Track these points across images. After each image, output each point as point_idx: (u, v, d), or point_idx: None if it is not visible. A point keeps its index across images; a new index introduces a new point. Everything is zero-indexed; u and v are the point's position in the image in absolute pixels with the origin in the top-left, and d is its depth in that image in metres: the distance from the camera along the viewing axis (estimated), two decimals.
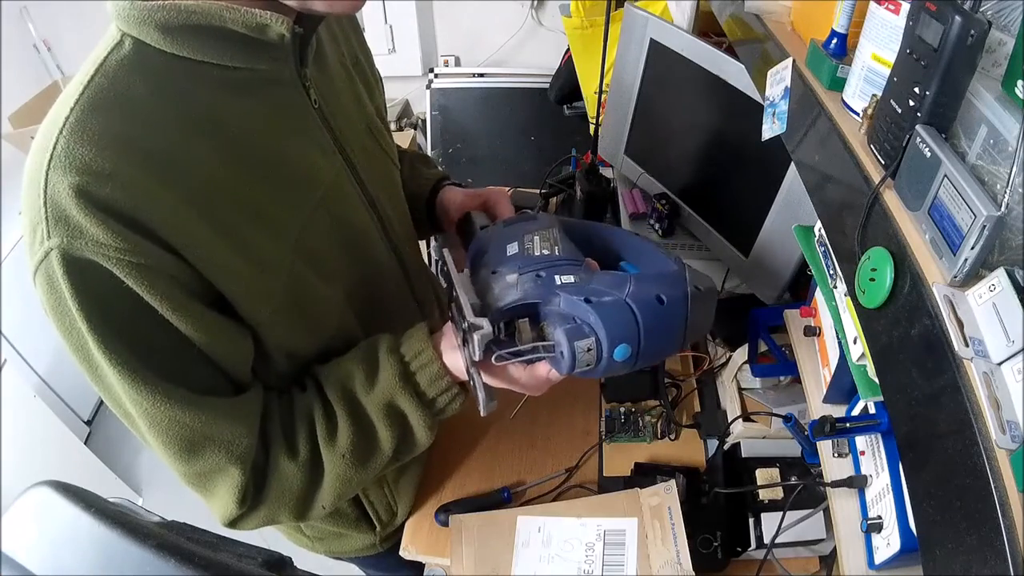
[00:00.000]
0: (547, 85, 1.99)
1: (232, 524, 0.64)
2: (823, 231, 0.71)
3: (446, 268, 0.66)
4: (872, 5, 0.48)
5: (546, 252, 0.65)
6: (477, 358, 0.58)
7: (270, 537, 0.86)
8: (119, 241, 0.49)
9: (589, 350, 0.56)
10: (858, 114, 0.51)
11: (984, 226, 0.35)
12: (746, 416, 0.90)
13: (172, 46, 0.53)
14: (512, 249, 0.66)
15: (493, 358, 0.59)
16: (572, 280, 0.60)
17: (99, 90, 0.51)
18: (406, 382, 0.64)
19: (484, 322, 0.57)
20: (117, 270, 0.49)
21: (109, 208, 0.49)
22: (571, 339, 0.56)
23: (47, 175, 0.48)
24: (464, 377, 0.64)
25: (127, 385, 0.54)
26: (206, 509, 0.65)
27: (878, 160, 0.46)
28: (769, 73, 0.64)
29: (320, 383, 0.66)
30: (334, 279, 0.67)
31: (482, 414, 0.60)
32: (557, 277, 0.60)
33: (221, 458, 0.59)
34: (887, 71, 0.46)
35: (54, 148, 0.49)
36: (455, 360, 0.64)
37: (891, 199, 0.44)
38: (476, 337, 0.57)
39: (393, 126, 2.30)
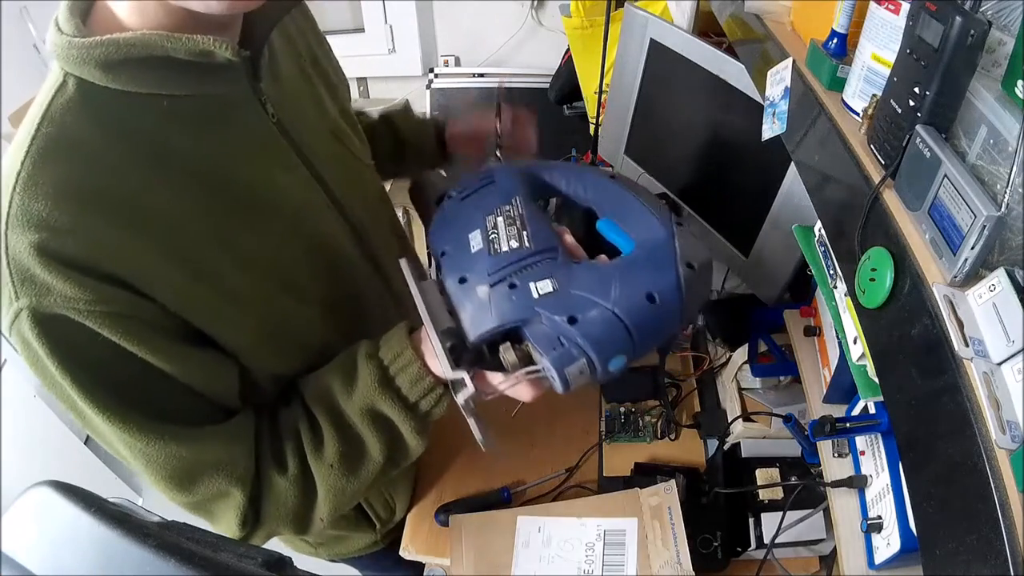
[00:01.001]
0: (547, 85, 1.99)
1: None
2: (823, 231, 0.71)
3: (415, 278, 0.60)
4: (872, 5, 0.48)
5: (515, 245, 0.57)
6: (465, 411, 0.55)
7: (275, 542, 0.86)
8: (87, 293, 0.48)
9: (582, 372, 0.53)
10: (858, 114, 0.51)
11: (984, 226, 0.35)
12: (746, 416, 0.90)
13: (116, 82, 0.51)
14: (476, 243, 0.59)
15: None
16: (550, 289, 0.54)
17: (47, 139, 0.49)
18: (386, 387, 0.61)
19: (466, 378, 0.54)
20: (90, 322, 0.49)
21: (72, 262, 0.48)
22: (561, 366, 0.52)
23: (6, 235, 0.47)
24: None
25: (118, 430, 0.53)
26: None
27: (878, 160, 0.46)
28: (769, 73, 0.64)
29: (302, 395, 0.65)
30: (311, 298, 0.65)
31: (484, 450, 0.58)
32: (533, 286, 0.54)
33: (222, 482, 0.58)
34: (887, 71, 0.46)
35: (9, 207, 0.48)
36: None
37: (891, 199, 0.44)
38: (460, 399, 0.54)
39: None
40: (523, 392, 0.58)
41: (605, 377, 0.54)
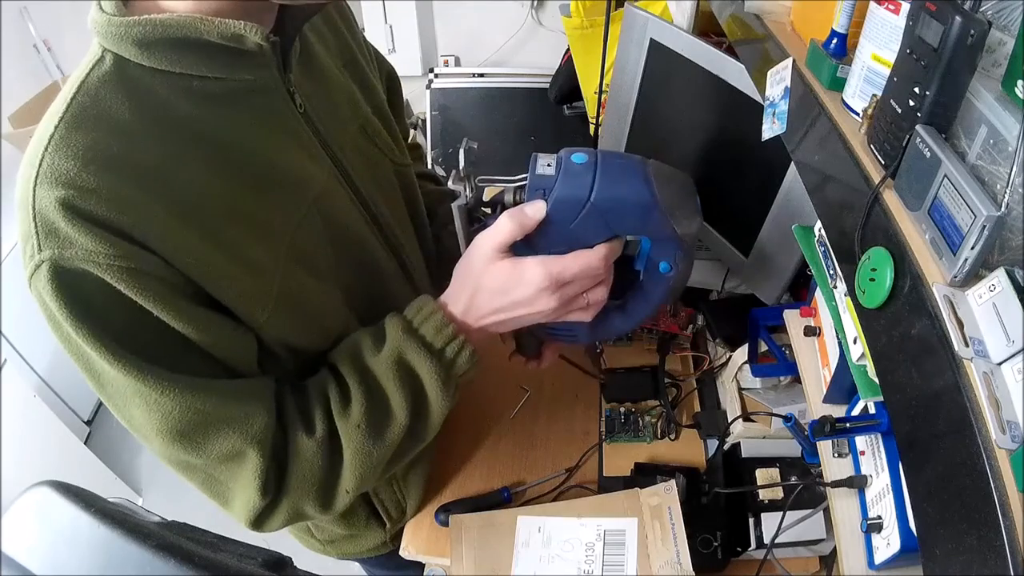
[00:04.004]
0: (547, 85, 2.00)
1: (258, 519, 0.62)
2: (823, 231, 0.71)
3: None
4: (872, 5, 0.49)
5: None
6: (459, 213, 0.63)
7: (278, 540, 0.85)
8: (108, 248, 0.49)
9: (549, 165, 0.60)
10: (858, 114, 0.51)
11: (984, 226, 0.35)
12: (746, 416, 0.90)
13: (151, 60, 0.54)
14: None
15: (476, 179, 0.63)
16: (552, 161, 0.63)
17: (81, 108, 0.52)
18: (411, 334, 0.63)
19: (465, 186, 0.63)
20: (108, 276, 0.50)
21: (95, 219, 0.49)
22: (535, 156, 0.60)
23: (35, 190, 0.49)
24: (470, 322, 0.65)
25: (133, 381, 0.53)
26: (206, 509, 0.64)
27: (878, 160, 0.46)
28: (769, 73, 0.64)
29: (333, 361, 0.66)
30: (330, 281, 0.67)
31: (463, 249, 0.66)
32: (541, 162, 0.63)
33: (236, 439, 0.58)
34: (887, 71, 0.46)
35: (40, 164, 0.50)
36: (454, 310, 0.65)
37: (891, 199, 0.44)
38: (456, 203, 0.63)
39: None
40: (503, 220, 0.61)
41: (568, 174, 0.59)
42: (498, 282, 0.62)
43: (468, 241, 0.65)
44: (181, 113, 0.55)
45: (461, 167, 0.65)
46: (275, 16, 0.60)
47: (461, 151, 0.66)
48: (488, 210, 0.66)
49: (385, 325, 0.65)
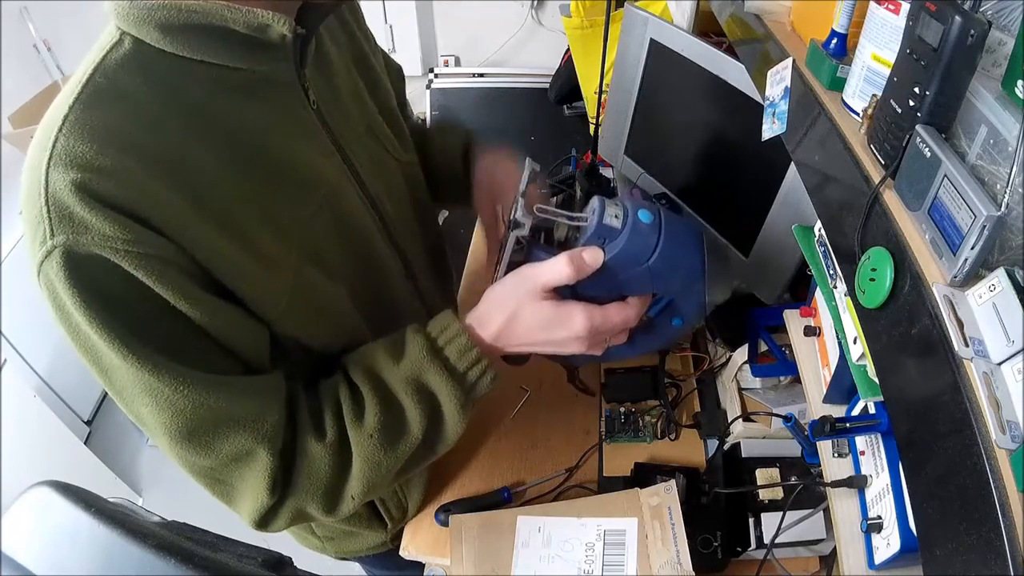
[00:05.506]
0: (547, 85, 1.99)
1: (264, 519, 0.62)
2: (823, 231, 0.71)
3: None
4: (872, 5, 0.48)
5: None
6: (510, 246, 0.62)
7: (278, 540, 0.85)
8: (125, 233, 0.48)
9: (616, 216, 0.60)
10: (858, 114, 0.51)
11: (984, 226, 0.35)
12: (746, 416, 0.90)
13: (172, 45, 0.53)
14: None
15: (535, 208, 0.61)
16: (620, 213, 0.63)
17: (98, 89, 0.51)
18: (435, 356, 0.63)
19: (527, 220, 0.62)
20: (125, 262, 0.49)
21: (112, 203, 0.48)
22: (602, 202, 0.61)
23: (47, 173, 0.48)
24: (500, 347, 0.65)
25: (146, 374, 0.52)
26: (206, 509, 0.64)
27: (878, 160, 0.46)
28: (769, 73, 0.64)
29: (346, 367, 0.66)
30: (338, 278, 0.67)
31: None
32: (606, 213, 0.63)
33: (247, 438, 0.57)
34: (887, 71, 0.46)
35: (53, 146, 0.48)
36: (483, 333, 0.64)
37: (891, 199, 0.44)
38: (514, 234, 0.62)
39: None
40: (561, 262, 0.61)
41: (635, 229, 0.60)
42: (539, 320, 0.63)
43: (509, 269, 0.64)
44: (197, 100, 0.55)
45: (522, 191, 0.63)
46: (296, 10, 0.59)
47: (525, 174, 0.64)
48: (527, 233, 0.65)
49: (406, 341, 0.65)
